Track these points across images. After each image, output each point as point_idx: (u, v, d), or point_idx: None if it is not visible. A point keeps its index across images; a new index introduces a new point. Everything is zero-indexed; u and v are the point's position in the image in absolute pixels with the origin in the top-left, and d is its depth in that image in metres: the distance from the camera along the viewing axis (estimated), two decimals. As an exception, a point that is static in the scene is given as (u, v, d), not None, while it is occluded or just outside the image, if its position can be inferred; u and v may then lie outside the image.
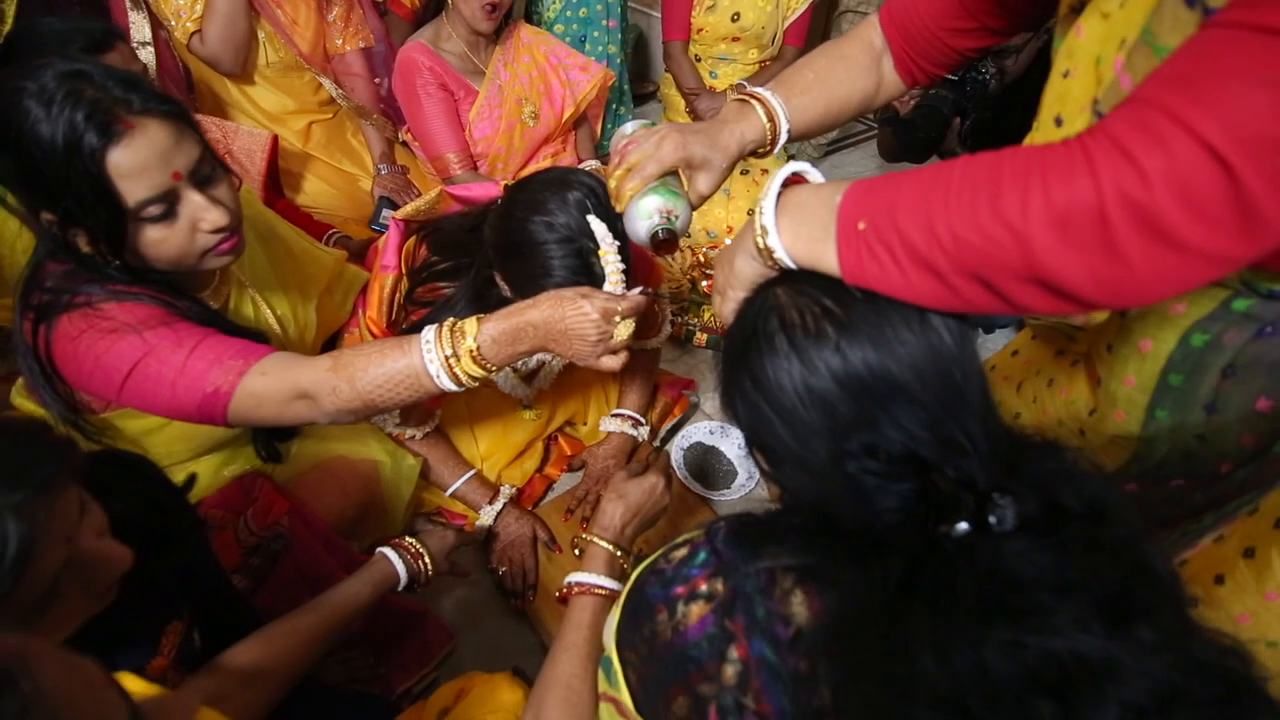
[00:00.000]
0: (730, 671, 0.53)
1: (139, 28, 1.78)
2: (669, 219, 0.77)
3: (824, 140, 2.73)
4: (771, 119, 0.78)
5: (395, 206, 2.00)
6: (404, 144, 2.13)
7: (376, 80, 2.01)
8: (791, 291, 0.59)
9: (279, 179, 1.87)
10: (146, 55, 1.76)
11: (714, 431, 1.60)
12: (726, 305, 0.66)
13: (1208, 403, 0.71)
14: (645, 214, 0.77)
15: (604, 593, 0.80)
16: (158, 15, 1.72)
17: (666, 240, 0.78)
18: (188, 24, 1.68)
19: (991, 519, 0.49)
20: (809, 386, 0.54)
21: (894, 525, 0.53)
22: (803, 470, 0.56)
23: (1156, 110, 0.39)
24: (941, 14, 0.77)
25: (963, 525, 0.49)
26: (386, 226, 1.96)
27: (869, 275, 0.53)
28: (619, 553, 0.86)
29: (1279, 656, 0.77)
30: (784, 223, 0.59)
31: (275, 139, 1.77)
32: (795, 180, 0.64)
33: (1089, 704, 0.45)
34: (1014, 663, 0.46)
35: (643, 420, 1.53)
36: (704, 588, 0.57)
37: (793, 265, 0.59)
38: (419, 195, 2.06)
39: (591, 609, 0.79)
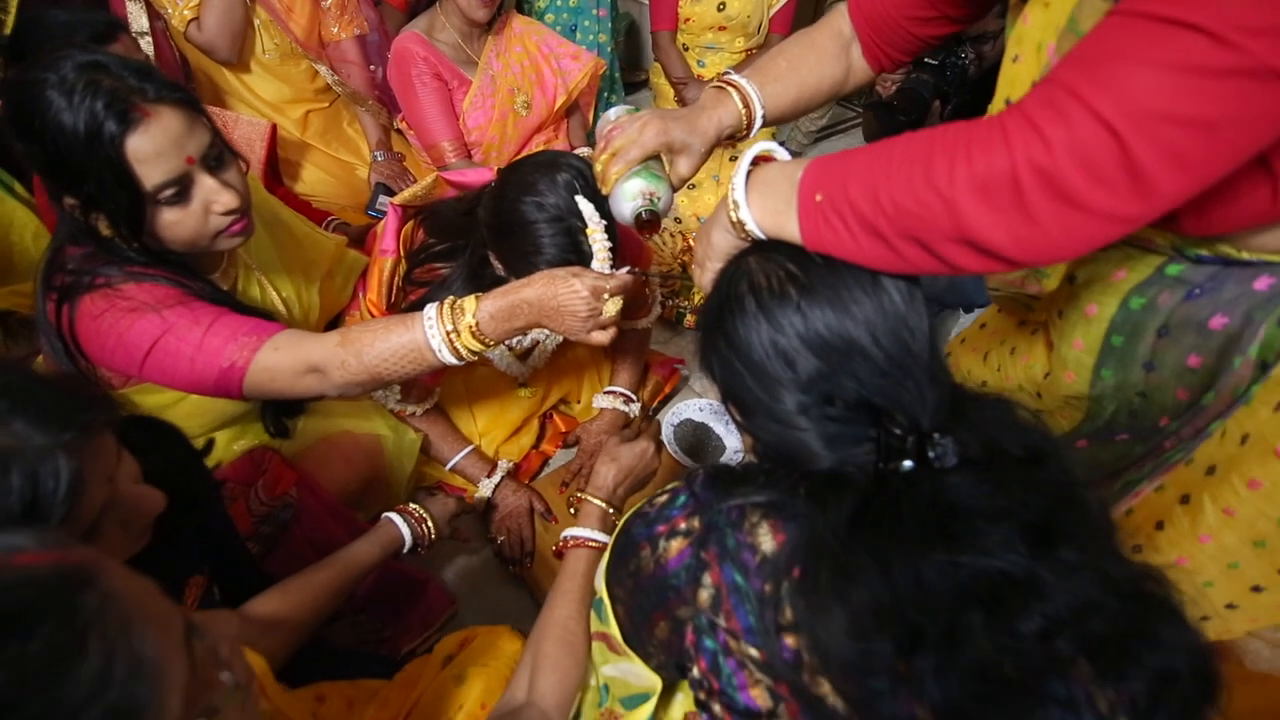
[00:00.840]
0: (705, 595, 0.59)
1: (136, 18, 1.82)
2: (651, 200, 0.83)
3: (814, 128, 2.78)
4: (747, 105, 0.84)
5: (391, 193, 2.05)
6: (399, 132, 2.17)
7: (372, 68, 2.05)
8: (761, 259, 0.65)
9: (278, 167, 1.92)
10: (145, 45, 1.80)
11: (703, 409, 1.67)
12: (706, 275, 0.73)
13: (1146, 361, 0.78)
14: (629, 196, 0.83)
15: (596, 545, 0.87)
16: (154, 5, 1.76)
17: (650, 220, 0.83)
18: (185, 11, 1.72)
19: (932, 455, 0.56)
20: (775, 343, 0.60)
21: (850, 465, 0.59)
22: (771, 419, 0.62)
23: (1060, 88, 0.45)
24: (905, 4, 0.83)
25: (908, 463, 0.56)
26: (383, 212, 2.02)
27: (826, 242, 0.59)
28: (611, 510, 0.92)
29: (1212, 596, 0.84)
30: (753, 198, 0.65)
31: (274, 127, 1.81)
32: (765, 159, 0.70)
33: (1014, 615, 0.52)
34: (949, 580, 0.52)
35: (634, 397, 1.59)
36: (683, 525, 0.63)
37: (762, 235, 0.65)
38: (415, 182, 2.11)
39: (585, 559, 0.85)
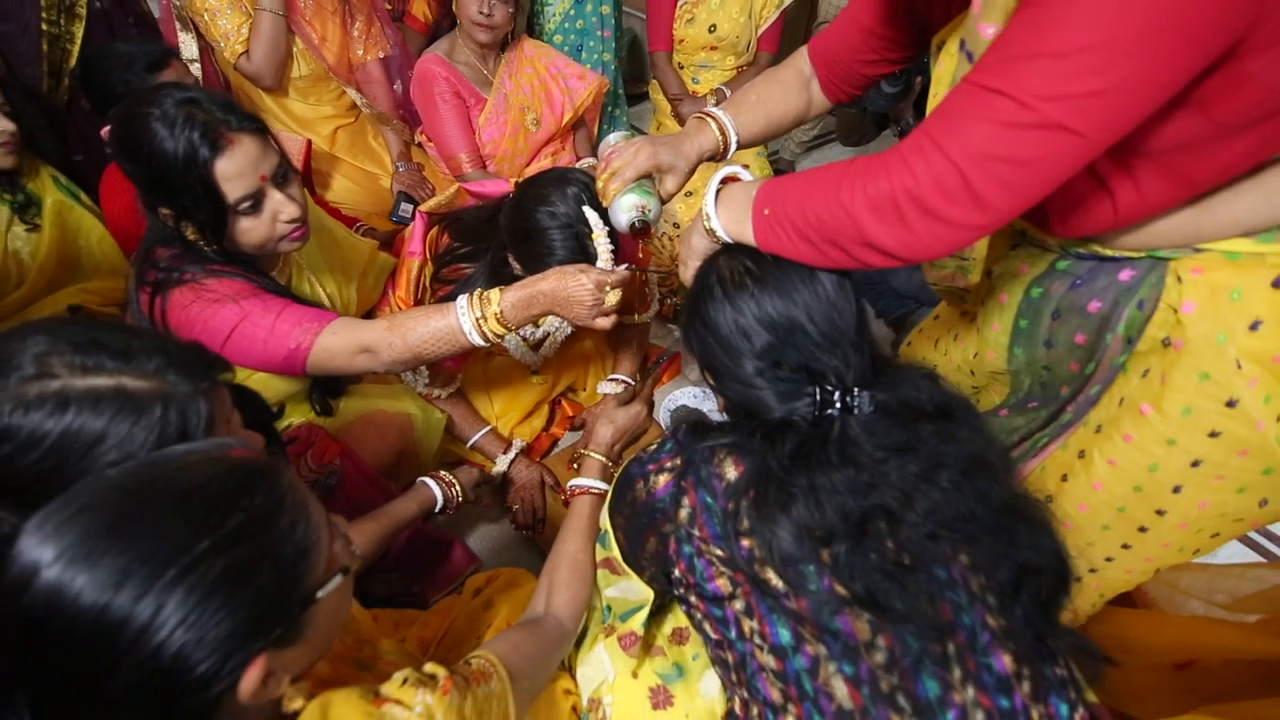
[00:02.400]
0: (684, 514, 0.78)
1: (187, 46, 2.01)
2: (643, 212, 1.01)
3: (805, 138, 2.97)
4: (723, 132, 1.03)
5: (412, 200, 2.24)
6: (419, 145, 2.36)
7: (395, 86, 2.25)
8: (727, 258, 0.83)
9: (311, 178, 2.11)
10: (195, 70, 1.99)
11: (696, 395, 1.85)
12: (687, 271, 0.91)
13: (1046, 340, 0.96)
14: (625, 209, 1.01)
15: (598, 492, 1.05)
16: (206, 37, 1.95)
17: (642, 229, 1.02)
18: (236, 45, 1.92)
19: (854, 405, 0.74)
20: (736, 322, 0.79)
21: (795, 415, 0.77)
22: (735, 381, 0.80)
23: (925, 135, 0.63)
24: (852, 50, 1.01)
25: (834, 410, 0.74)
26: (404, 218, 2.22)
27: (773, 245, 0.77)
28: (609, 464, 1.11)
29: (1110, 538, 1.01)
30: (721, 210, 0.83)
31: (309, 143, 2.01)
32: (732, 179, 0.88)
33: (908, 523, 0.70)
34: (861, 498, 0.70)
35: (634, 384, 1.78)
36: (668, 464, 0.82)
37: (728, 239, 0.84)
38: (433, 190, 2.30)
39: (589, 504, 1.04)
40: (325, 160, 2.24)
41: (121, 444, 0.65)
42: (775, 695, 0.69)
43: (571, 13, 2.48)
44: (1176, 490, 0.84)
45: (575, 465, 1.60)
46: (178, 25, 1.99)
